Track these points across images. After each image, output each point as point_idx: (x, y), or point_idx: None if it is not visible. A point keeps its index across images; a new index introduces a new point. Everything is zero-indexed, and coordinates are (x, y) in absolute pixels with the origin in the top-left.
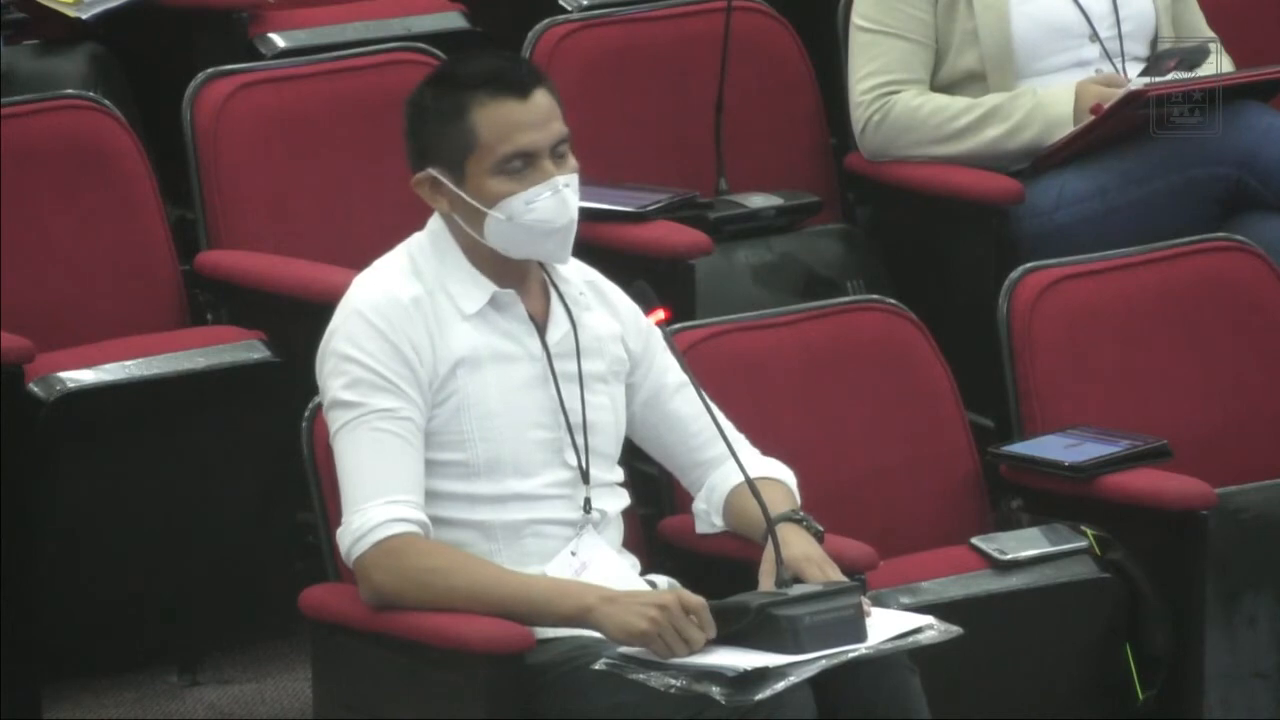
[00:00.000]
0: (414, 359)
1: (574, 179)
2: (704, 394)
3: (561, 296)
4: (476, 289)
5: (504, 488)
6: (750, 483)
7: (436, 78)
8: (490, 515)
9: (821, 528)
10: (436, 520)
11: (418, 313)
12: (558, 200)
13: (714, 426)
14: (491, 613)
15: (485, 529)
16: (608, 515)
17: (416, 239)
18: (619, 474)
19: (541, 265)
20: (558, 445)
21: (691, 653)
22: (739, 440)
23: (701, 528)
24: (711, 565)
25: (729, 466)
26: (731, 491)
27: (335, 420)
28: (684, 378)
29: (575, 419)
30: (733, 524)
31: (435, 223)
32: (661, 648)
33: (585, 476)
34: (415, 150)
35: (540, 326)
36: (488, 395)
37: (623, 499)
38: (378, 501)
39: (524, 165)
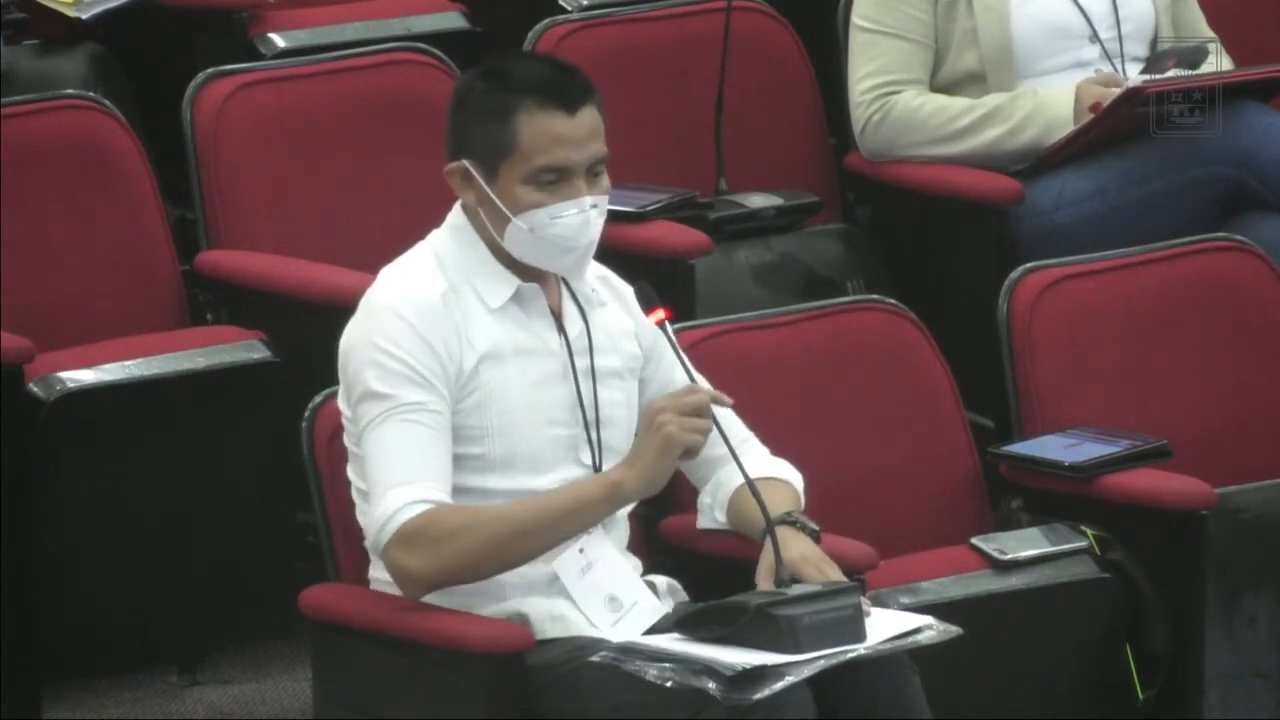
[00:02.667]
0: (444, 355)
1: (604, 200)
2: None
3: (573, 294)
4: (501, 283)
5: (516, 483)
6: (750, 484)
7: (490, 72)
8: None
9: (817, 527)
10: None
11: (445, 309)
12: (582, 220)
13: (725, 422)
14: (534, 539)
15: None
16: (615, 516)
17: (439, 235)
18: None
19: None
20: (573, 442)
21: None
22: (749, 438)
23: (704, 522)
24: (711, 565)
25: (735, 466)
26: (736, 489)
27: (365, 414)
28: (694, 374)
29: (591, 415)
30: (734, 522)
31: (457, 217)
32: (698, 440)
33: (598, 472)
34: (454, 138)
35: (559, 321)
36: (509, 390)
37: None
38: (402, 488)
39: (557, 180)
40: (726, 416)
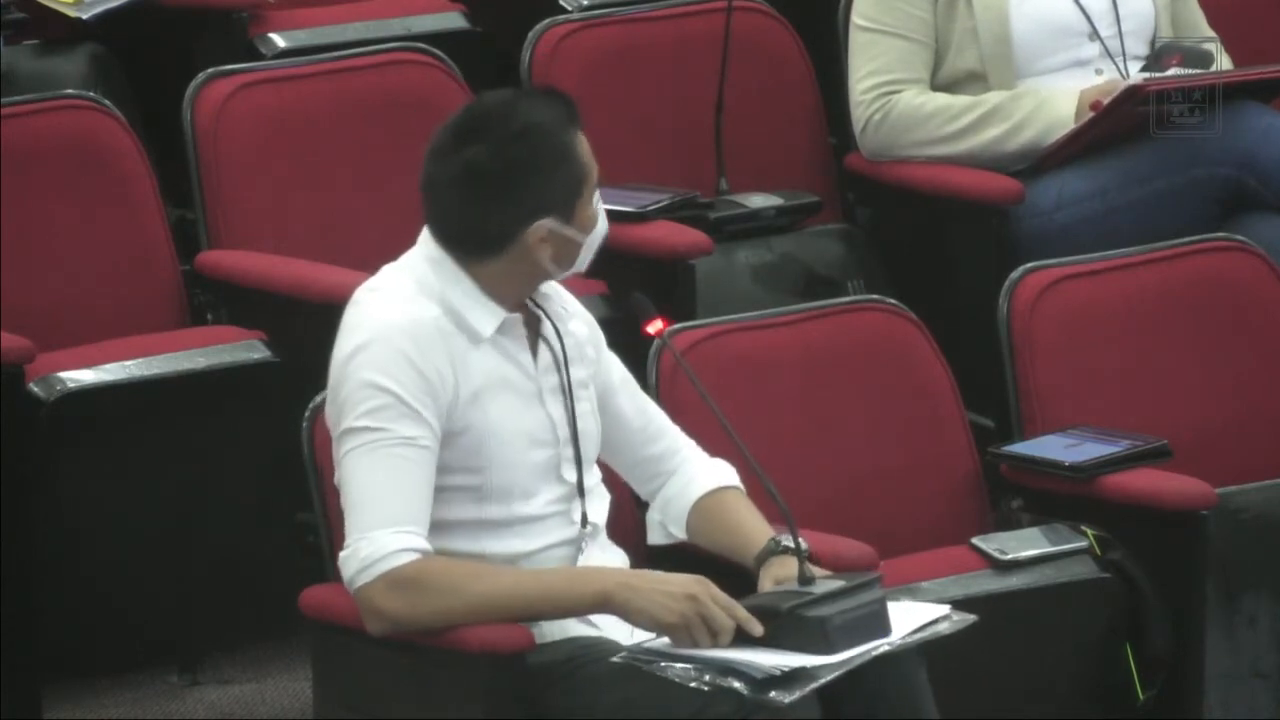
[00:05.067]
0: (438, 386)
1: None
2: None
3: (546, 313)
4: (488, 313)
5: (511, 512)
6: (790, 521)
7: (525, 130)
8: (491, 546)
9: (806, 546)
10: (437, 552)
11: (439, 335)
12: (601, 212)
13: (658, 421)
14: (513, 618)
15: (485, 560)
16: (598, 526)
17: (416, 264)
18: (598, 473)
19: None
20: (555, 461)
21: (718, 644)
22: (680, 437)
23: (655, 538)
24: (710, 566)
25: (686, 477)
26: (696, 504)
27: (350, 440)
28: (625, 373)
29: (570, 431)
30: (699, 536)
31: (433, 251)
32: (687, 640)
33: (581, 490)
34: (525, 205)
35: (534, 345)
36: (503, 423)
37: (606, 498)
38: (389, 530)
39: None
40: (662, 418)
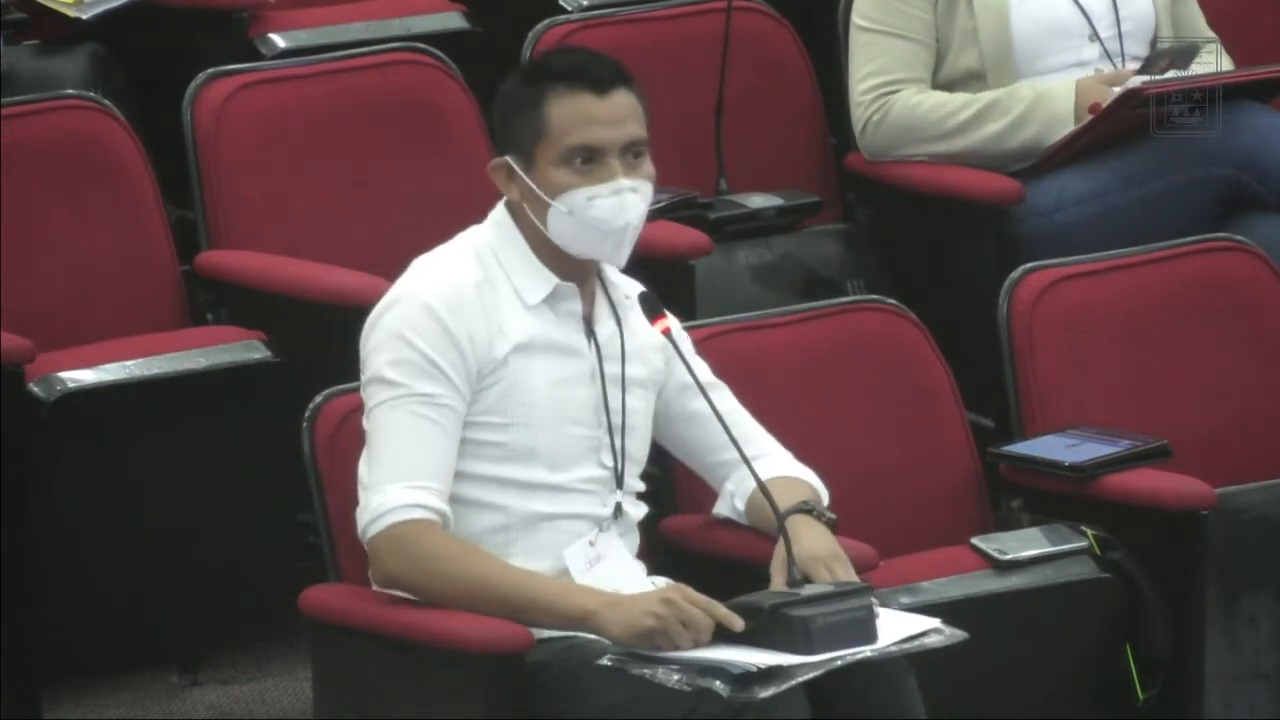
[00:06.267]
0: (468, 349)
1: (645, 185)
2: (729, 398)
3: (610, 299)
4: (539, 280)
5: (534, 476)
6: (760, 483)
7: (525, 68)
8: (515, 502)
9: (834, 516)
10: (460, 500)
11: (478, 299)
12: (617, 202)
13: (744, 427)
14: (492, 608)
15: (507, 513)
16: (629, 519)
17: (479, 231)
18: (640, 484)
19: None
20: (594, 444)
21: (698, 642)
22: (770, 442)
23: (722, 509)
24: (712, 565)
25: (758, 462)
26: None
27: (374, 396)
28: (709, 378)
29: (615, 420)
30: (751, 515)
31: (499, 214)
32: (667, 642)
33: (619, 481)
34: (497, 138)
35: (590, 325)
36: (535, 384)
37: (642, 509)
38: (400, 485)
39: (590, 160)
40: (750, 424)
